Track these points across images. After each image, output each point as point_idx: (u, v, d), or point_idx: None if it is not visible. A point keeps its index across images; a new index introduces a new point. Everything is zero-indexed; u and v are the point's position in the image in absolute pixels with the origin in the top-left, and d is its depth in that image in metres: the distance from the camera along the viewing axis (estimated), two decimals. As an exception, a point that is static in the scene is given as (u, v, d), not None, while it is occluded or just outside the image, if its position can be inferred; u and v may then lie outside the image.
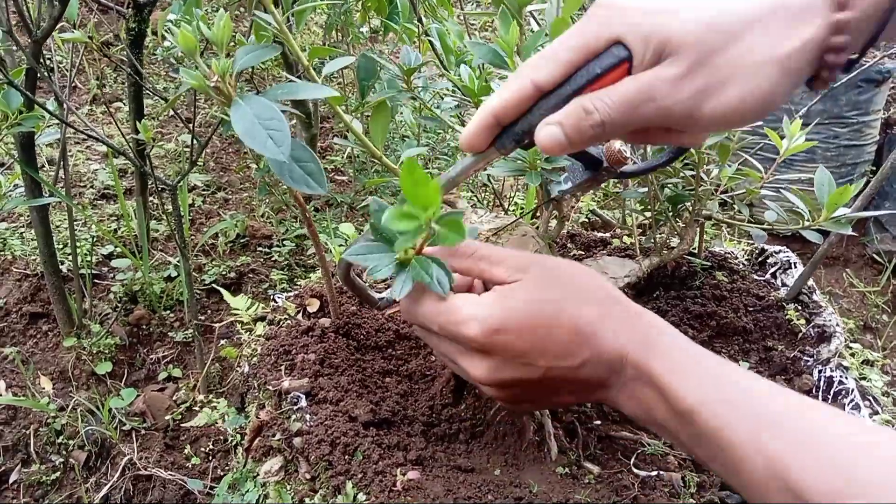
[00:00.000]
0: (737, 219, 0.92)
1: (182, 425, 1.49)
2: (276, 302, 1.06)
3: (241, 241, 2.04)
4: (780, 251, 1.07)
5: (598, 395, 0.59)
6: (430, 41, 1.09)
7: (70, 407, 1.51)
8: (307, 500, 0.72)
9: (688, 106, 0.50)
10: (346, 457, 0.72)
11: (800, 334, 0.94)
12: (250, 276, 1.90)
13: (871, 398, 0.83)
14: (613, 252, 1.05)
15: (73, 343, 1.60)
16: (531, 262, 0.62)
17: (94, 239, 1.89)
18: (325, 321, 0.94)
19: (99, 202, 2.10)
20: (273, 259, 1.98)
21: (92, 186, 2.13)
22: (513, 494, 0.72)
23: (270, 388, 0.80)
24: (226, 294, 1.27)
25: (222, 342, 1.74)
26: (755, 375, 0.51)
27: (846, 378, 0.86)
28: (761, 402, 0.48)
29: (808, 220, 0.84)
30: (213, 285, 1.84)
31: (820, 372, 0.89)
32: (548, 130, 0.53)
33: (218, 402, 1.37)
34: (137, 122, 1.47)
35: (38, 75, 1.28)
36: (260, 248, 2.01)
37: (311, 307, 0.96)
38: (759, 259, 1.09)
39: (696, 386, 0.51)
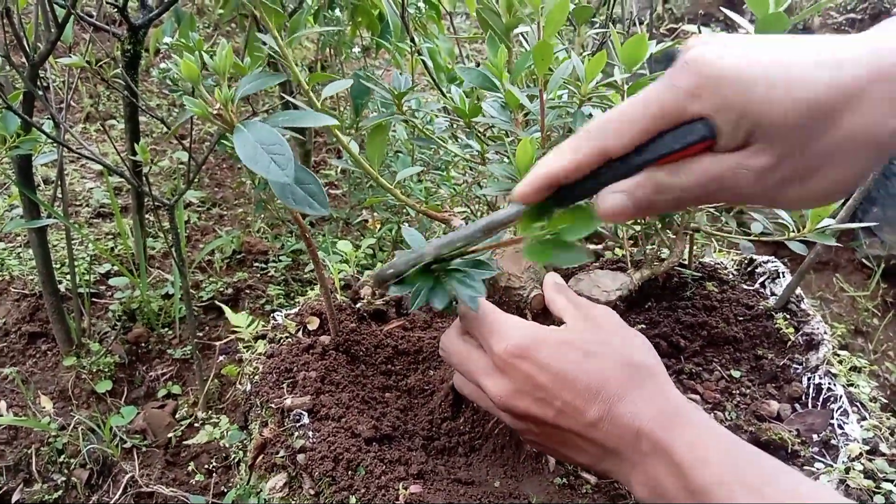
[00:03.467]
0: (724, 230, 0.95)
1: (183, 442, 1.50)
2: (275, 319, 1.08)
3: (238, 257, 2.06)
4: (768, 261, 1.09)
5: (610, 466, 0.58)
6: (423, 60, 1.11)
7: (71, 426, 1.51)
8: (312, 515, 0.73)
9: (771, 194, 0.46)
10: (349, 472, 0.74)
11: (789, 343, 0.96)
12: (247, 292, 1.92)
13: (858, 404, 0.85)
14: (605, 265, 1.07)
15: (73, 362, 1.61)
16: (580, 308, 0.65)
17: (92, 258, 1.90)
18: (325, 338, 0.96)
19: (95, 220, 2.11)
20: (269, 275, 1.99)
21: (87, 205, 2.14)
22: (513, 505, 0.74)
23: (273, 405, 0.82)
24: (227, 311, 1.28)
25: (221, 358, 1.76)
26: (780, 463, 0.50)
27: (835, 385, 0.88)
28: (785, 492, 0.47)
29: (793, 232, 0.87)
30: (214, 301, 1.85)
31: (809, 379, 0.91)
32: (615, 200, 0.50)
33: (219, 419, 1.39)
34: (135, 143, 1.49)
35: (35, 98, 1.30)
36: (256, 264, 2.03)
37: (311, 325, 0.98)
38: (749, 269, 1.11)
39: (716, 465, 0.50)
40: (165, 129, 2.64)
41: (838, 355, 0.93)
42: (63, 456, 1.51)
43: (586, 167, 0.50)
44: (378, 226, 2.03)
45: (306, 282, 1.99)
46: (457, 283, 0.64)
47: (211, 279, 1.92)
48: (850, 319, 2.31)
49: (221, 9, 1.84)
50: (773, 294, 1.06)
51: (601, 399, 0.56)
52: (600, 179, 0.50)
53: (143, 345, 1.74)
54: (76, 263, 1.76)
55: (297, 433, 0.79)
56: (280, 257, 2.04)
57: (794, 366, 0.94)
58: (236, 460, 1.01)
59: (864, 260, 2.42)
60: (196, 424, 1.62)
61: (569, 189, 0.53)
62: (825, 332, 0.95)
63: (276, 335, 0.98)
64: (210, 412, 1.65)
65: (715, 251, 1.15)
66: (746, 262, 1.12)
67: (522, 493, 0.79)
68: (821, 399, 0.89)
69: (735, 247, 1.17)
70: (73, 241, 1.94)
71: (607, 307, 0.68)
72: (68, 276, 1.74)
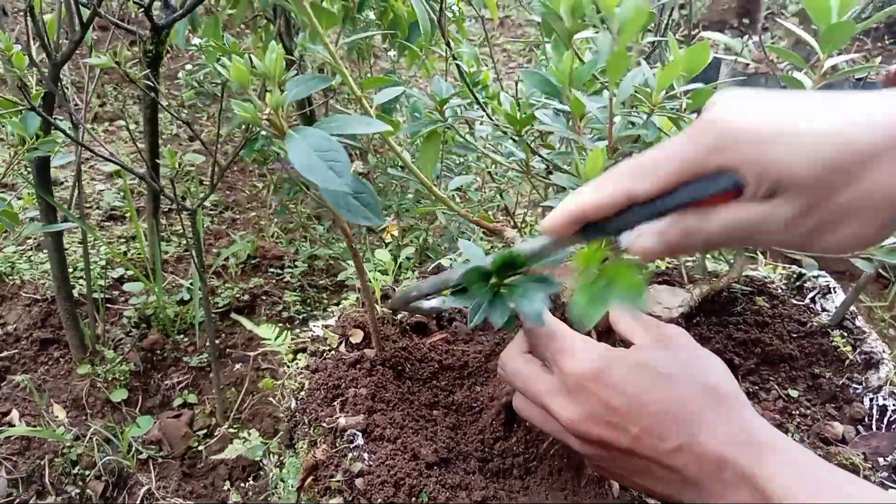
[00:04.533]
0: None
1: (211, 457, 1.46)
2: (312, 331, 1.04)
3: (252, 262, 2.02)
4: (818, 276, 1.07)
5: (689, 496, 0.55)
6: (458, 65, 1.08)
7: (88, 436, 1.47)
8: (371, 543, 0.70)
9: (798, 242, 0.47)
10: (412, 499, 0.71)
11: (847, 361, 0.94)
12: (263, 298, 1.88)
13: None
14: (653, 279, 1.04)
15: (87, 370, 1.57)
16: (650, 328, 0.62)
17: (105, 262, 1.86)
18: (370, 352, 0.92)
19: (106, 224, 2.07)
20: (285, 280, 1.96)
21: (98, 207, 2.10)
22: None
23: (325, 424, 0.79)
24: (249, 323, 1.24)
25: (238, 366, 1.72)
26: (874, 487, 0.49)
27: (901, 406, 0.85)
28: None
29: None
30: (231, 308, 1.81)
31: (871, 400, 0.88)
32: (644, 241, 0.52)
33: (249, 434, 1.35)
34: (156, 147, 1.45)
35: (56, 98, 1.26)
36: (272, 270, 1.99)
37: (355, 338, 0.94)
38: (797, 283, 1.09)
39: (804, 497, 0.48)
40: (175, 131, 2.59)
41: (900, 375, 0.90)
42: (77, 467, 1.47)
43: (613, 207, 0.51)
44: (394, 232, 2.00)
45: (322, 288, 1.96)
46: (520, 298, 0.61)
47: (227, 285, 1.88)
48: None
49: (232, 9, 1.80)
50: (823, 310, 1.03)
51: (681, 425, 0.54)
52: (627, 220, 0.51)
53: (158, 352, 1.70)
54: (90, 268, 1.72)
55: (350, 455, 0.76)
56: (296, 263, 2.00)
57: (854, 385, 0.91)
58: (273, 478, 0.98)
59: (880, 270, 2.41)
60: (215, 434, 1.58)
61: (595, 226, 0.53)
62: (884, 351, 0.93)
63: (317, 348, 0.94)
64: (228, 422, 1.62)
65: (763, 265, 1.12)
66: (795, 276, 1.09)
67: (586, 518, 0.76)
68: (885, 420, 0.86)
69: (781, 258, 1.14)
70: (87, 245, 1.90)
71: (679, 327, 0.65)
72: (81, 281, 1.70)
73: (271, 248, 2.03)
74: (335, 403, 0.83)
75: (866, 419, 0.87)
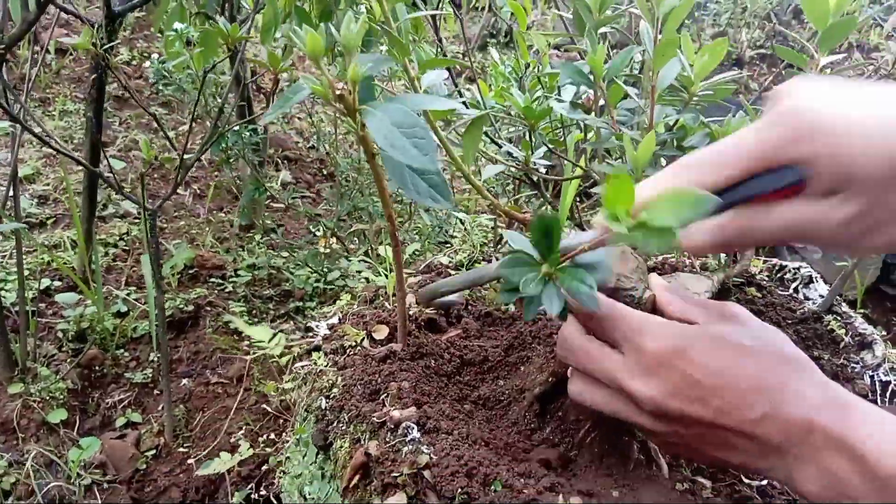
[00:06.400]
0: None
1: (196, 473, 1.34)
2: (316, 330, 0.99)
3: (190, 272, 1.90)
4: (798, 266, 1.13)
5: (770, 463, 0.55)
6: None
7: (29, 461, 1.32)
8: (443, 538, 0.67)
9: (846, 241, 0.48)
10: (485, 487, 0.68)
11: (842, 343, 1.00)
12: (208, 309, 1.77)
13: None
14: (677, 269, 1.07)
15: (19, 389, 1.41)
16: (709, 306, 0.63)
17: (30, 272, 1.68)
18: (396, 347, 0.89)
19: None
20: (228, 291, 1.85)
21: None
22: (652, 514, 0.71)
23: (375, 419, 0.74)
24: (243, 325, 1.16)
25: (184, 382, 1.60)
26: None
27: (901, 381, 0.92)
28: None
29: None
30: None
31: (872, 377, 0.94)
32: (699, 237, 0.52)
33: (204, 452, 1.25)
34: (98, 141, 1.34)
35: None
36: (212, 280, 1.88)
37: (379, 334, 0.91)
38: (779, 275, 1.15)
39: None
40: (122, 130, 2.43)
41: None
42: (11, 497, 1.32)
43: None
44: (329, 243, 1.93)
45: (267, 298, 1.87)
46: (576, 283, 0.60)
47: (167, 296, 1.76)
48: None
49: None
50: (807, 298, 1.10)
51: (764, 394, 0.54)
52: None
53: (97, 368, 1.55)
54: (15, 278, 1.55)
55: (405, 448, 0.72)
56: (238, 273, 1.90)
57: (852, 364, 0.97)
58: (281, 485, 0.91)
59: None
60: (165, 456, 1.47)
61: None
62: (874, 332, 0.99)
63: (338, 346, 0.90)
64: (178, 441, 1.50)
65: (750, 259, 1.18)
66: (777, 268, 1.15)
67: (643, 500, 0.76)
68: (888, 395, 0.92)
69: (765, 252, 1.20)
70: (6, 253, 1.72)
71: (736, 304, 0.67)
72: (4, 293, 1.54)
73: (210, 257, 1.92)
74: (379, 398, 0.79)
75: (870, 395, 0.93)
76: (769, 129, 0.48)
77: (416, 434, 0.73)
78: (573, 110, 0.92)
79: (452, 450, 0.71)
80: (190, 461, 1.45)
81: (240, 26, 0.90)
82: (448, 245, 1.67)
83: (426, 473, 0.69)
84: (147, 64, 1.17)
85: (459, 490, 0.67)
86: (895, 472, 0.47)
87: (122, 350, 1.61)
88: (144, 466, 1.45)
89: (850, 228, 0.47)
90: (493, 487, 0.68)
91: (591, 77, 0.83)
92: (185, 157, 0.99)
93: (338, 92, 0.63)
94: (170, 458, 1.48)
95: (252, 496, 1.37)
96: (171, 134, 2.19)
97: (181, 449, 1.49)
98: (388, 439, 0.74)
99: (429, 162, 0.61)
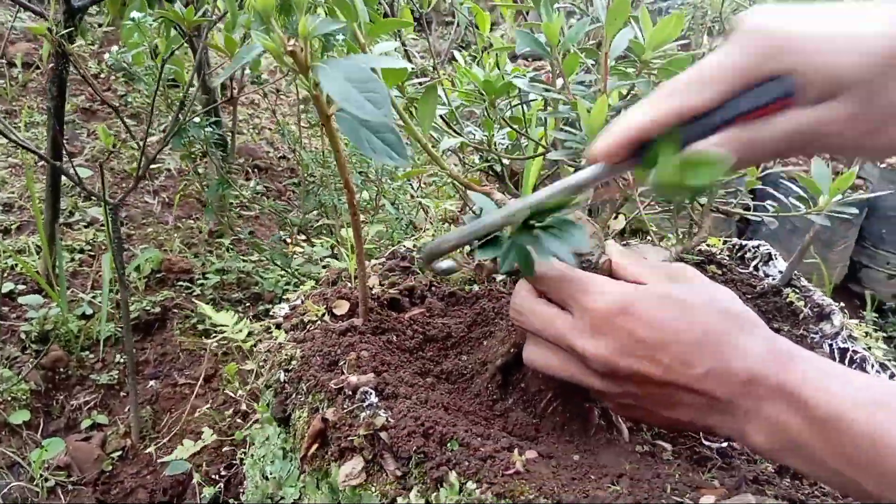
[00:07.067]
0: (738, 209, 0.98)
1: (165, 474, 1.32)
2: (276, 315, 0.98)
3: (157, 276, 1.88)
4: (758, 245, 1.15)
5: (719, 420, 0.56)
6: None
7: (-13, 463, 1.29)
8: (400, 499, 0.66)
9: (856, 143, 0.49)
10: (442, 447, 0.68)
11: (801, 315, 1.01)
12: (175, 311, 1.75)
13: (889, 364, 0.91)
14: (616, 238, 1.08)
15: (-20, 391, 1.39)
16: (656, 268, 0.63)
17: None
18: (356, 322, 0.88)
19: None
20: (196, 294, 1.84)
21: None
22: (612, 473, 0.70)
23: (333, 386, 0.74)
24: (207, 309, 1.15)
25: (152, 383, 1.58)
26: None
27: (858, 348, 0.93)
28: None
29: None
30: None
31: (831, 346, 0.95)
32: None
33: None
34: (59, 135, 1.33)
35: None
36: (180, 283, 1.86)
37: (339, 309, 0.90)
38: (739, 254, 1.16)
39: (840, 391, 0.49)
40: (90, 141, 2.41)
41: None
42: (-29, 500, 1.28)
43: (665, 124, 0.52)
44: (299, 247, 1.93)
45: (236, 301, 1.86)
46: (552, 239, 0.61)
47: (133, 298, 1.74)
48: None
49: None
50: (767, 275, 1.11)
51: (710, 350, 0.55)
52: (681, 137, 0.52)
53: (61, 370, 1.53)
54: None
55: (363, 413, 0.72)
56: (206, 276, 1.88)
57: (811, 335, 0.98)
58: (245, 468, 0.90)
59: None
60: (132, 457, 1.44)
61: (646, 148, 0.53)
62: (832, 303, 1.01)
63: (298, 321, 0.89)
64: (145, 442, 1.48)
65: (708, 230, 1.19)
66: (737, 247, 1.17)
67: (602, 464, 0.76)
68: (846, 361, 0.93)
69: (724, 231, 1.22)
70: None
71: (682, 263, 0.68)
72: (-34, 295, 1.51)
73: (178, 260, 1.91)
74: (337, 367, 0.78)
75: (828, 363, 0.94)
76: (744, 46, 0.50)
77: (373, 399, 0.73)
78: (533, 86, 0.93)
79: (409, 412, 0.71)
80: (157, 462, 1.43)
81: (197, 11, 0.90)
82: (414, 228, 1.67)
83: (383, 435, 0.68)
84: (107, 55, 1.17)
85: (415, 449, 0.67)
86: (836, 413, 0.48)
87: (87, 352, 1.58)
88: (110, 468, 1.42)
89: (851, 130, 0.47)
90: (449, 446, 0.68)
91: (549, 49, 0.84)
92: (147, 145, 0.98)
93: (289, 48, 0.63)
94: (136, 459, 1.45)
95: (220, 497, 1.35)
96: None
97: (148, 450, 1.46)
98: (345, 406, 0.73)
99: (381, 115, 0.61)
